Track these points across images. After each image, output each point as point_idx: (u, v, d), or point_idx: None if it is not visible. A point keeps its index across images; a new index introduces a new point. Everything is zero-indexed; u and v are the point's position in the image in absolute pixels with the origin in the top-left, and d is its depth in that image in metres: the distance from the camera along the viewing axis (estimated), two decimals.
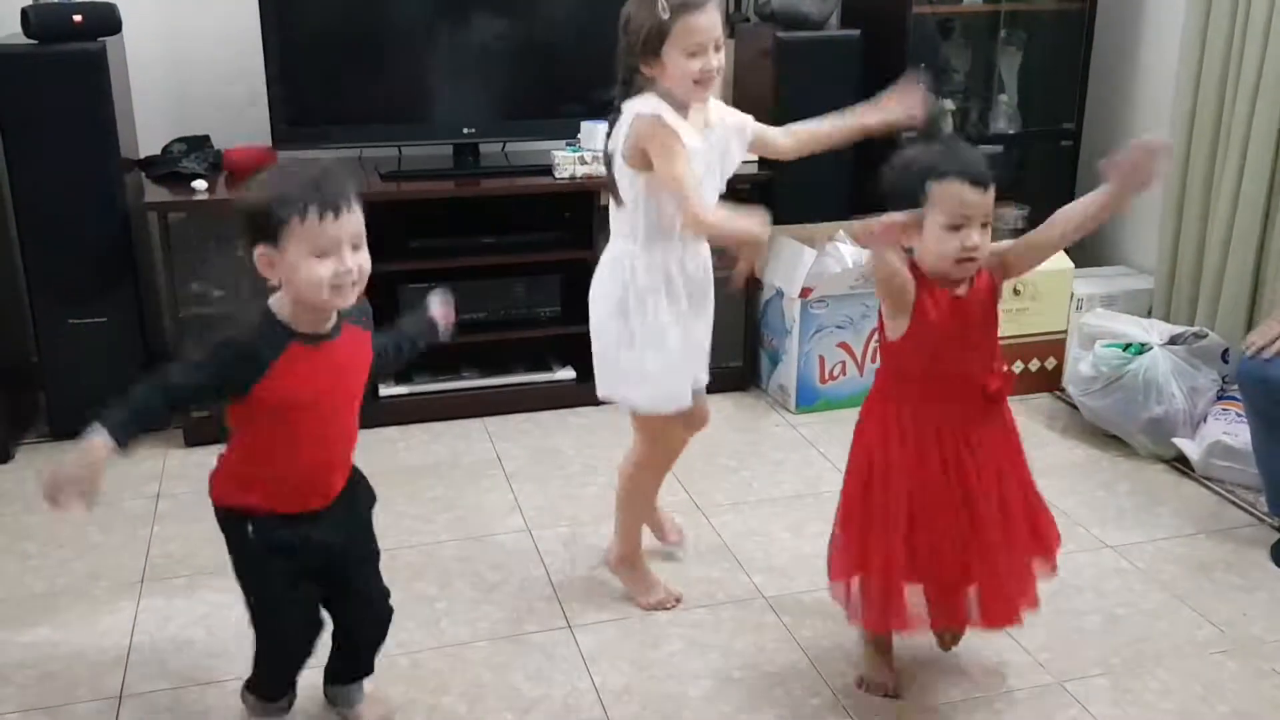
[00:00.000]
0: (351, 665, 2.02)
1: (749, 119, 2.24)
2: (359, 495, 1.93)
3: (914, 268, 1.88)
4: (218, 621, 2.31)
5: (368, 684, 2.06)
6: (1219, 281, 3.22)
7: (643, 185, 2.09)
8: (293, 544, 1.81)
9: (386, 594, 2.00)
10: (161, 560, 2.55)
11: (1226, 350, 3.09)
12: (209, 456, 2.95)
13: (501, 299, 3.30)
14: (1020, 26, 3.73)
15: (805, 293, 3.25)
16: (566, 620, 2.33)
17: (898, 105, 2.23)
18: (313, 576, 1.86)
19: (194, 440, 3.08)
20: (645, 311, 2.16)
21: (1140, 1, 3.66)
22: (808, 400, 3.33)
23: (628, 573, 2.41)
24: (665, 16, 1.99)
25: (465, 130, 3.28)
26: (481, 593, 2.43)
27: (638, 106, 2.06)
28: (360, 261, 1.70)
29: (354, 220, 1.68)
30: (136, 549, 2.60)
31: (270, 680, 1.98)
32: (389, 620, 2.01)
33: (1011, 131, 3.74)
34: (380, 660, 2.16)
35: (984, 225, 1.83)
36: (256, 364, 1.68)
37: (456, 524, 2.71)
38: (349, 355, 1.79)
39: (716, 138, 2.15)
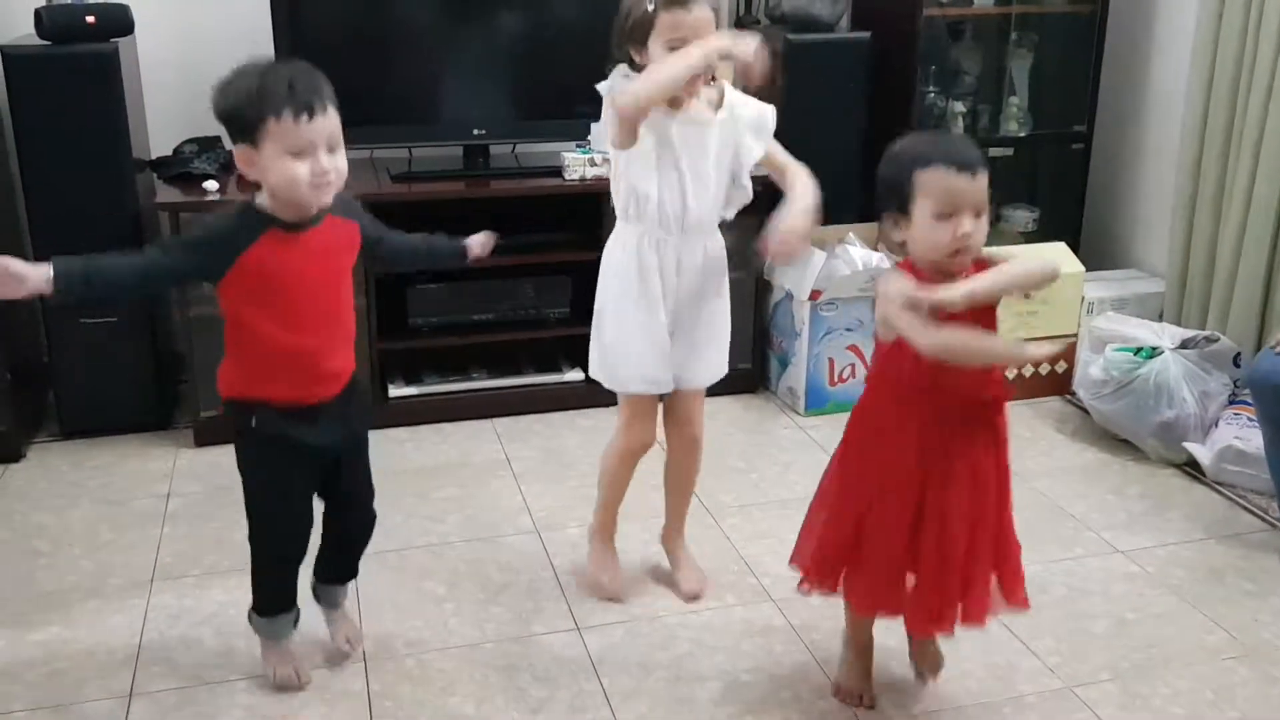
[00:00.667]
0: (336, 565, 2.17)
1: (769, 117, 2.19)
2: (355, 399, 2.02)
3: (909, 268, 1.84)
4: (227, 621, 2.32)
5: (366, 572, 2.24)
6: (1231, 285, 3.20)
7: (623, 167, 2.11)
8: (289, 437, 1.92)
9: (371, 496, 2.12)
10: (171, 559, 2.56)
11: (1238, 354, 3.08)
12: (220, 456, 3.01)
13: (511, 300, 3.30)
14: (1031, 29, 3.73)
15: (814, 295, 3.25)
16: (575, 621, 2.33)
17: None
18: (307, 474, 1.99)
19: (204, 440, 3.09)
20: (616, 285, 2.19)
21: (1152, 4, 3.65)
22: (817, 403, 3.33)
23: (593, 545, 2.45)
24: (650, 9, 1.99)
25: (475, 132, 3.29)
26: (490, 593, 2.43)
27: (607, 85, 2.10)
28: (337, 163, 1.77)
29: (329, 122, 1.75)
30: (147, 548, 2.60)
31: (267, 583, 2.08)
32: (372, 524, 2.15)
33: (1022, 134, 3.73)
34: (387, 659, 2.17)
35: (977, 214, 1.77)
36: (231, 248, 1.78)
37: (465, 524, 2.71)
38: (329, 241, 1.87)
39: (725, 129, 2.12)
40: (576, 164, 3.19)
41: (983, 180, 1.77)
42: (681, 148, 2.08)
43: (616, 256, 2.19)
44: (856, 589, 1.99)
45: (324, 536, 2.13)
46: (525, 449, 3.13)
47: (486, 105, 3.30)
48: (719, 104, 2.14)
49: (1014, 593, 1.96)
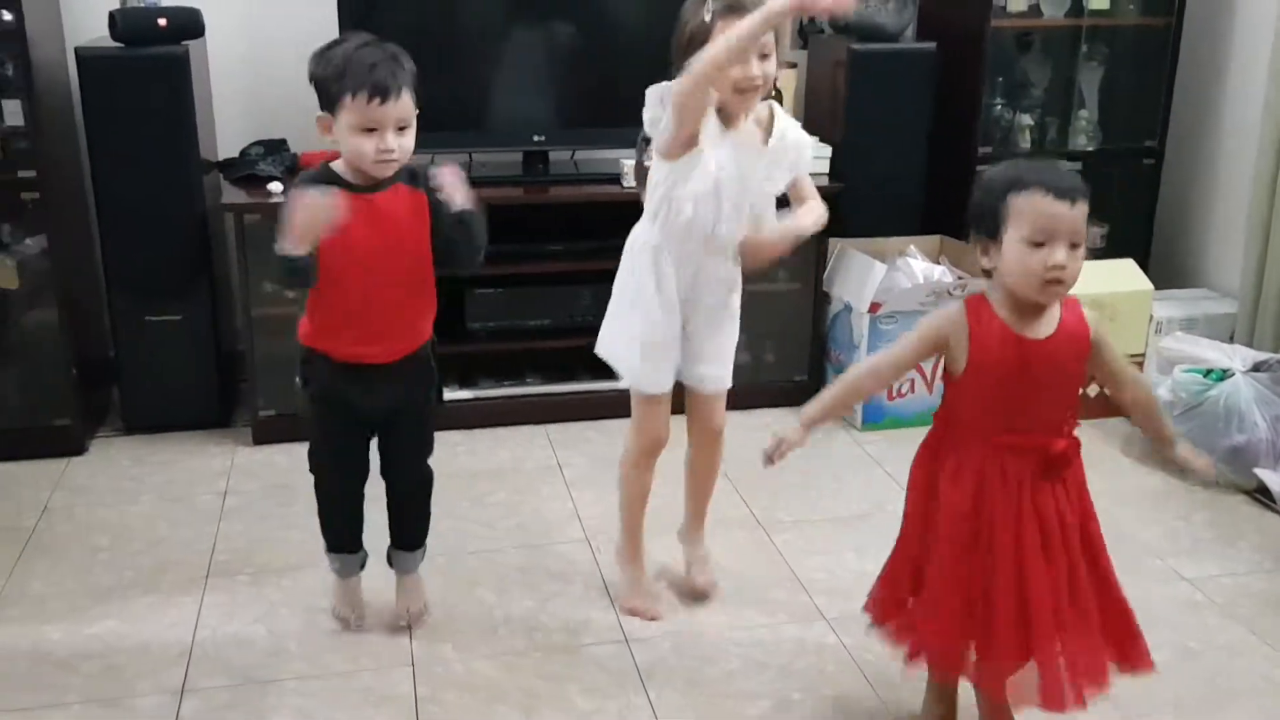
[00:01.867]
0: (396, 526, 2.27)
1: (806, 146, 2.21)
2: (420, 372, 2.13)
3: (980, 303, 1.75)
4: (278, 620, 2.34)
5: (423, 571, 2.34)
6: None
7: (663, 176, 2.10)
8: (337, 393, 2.07)
9: (423, 455, 2.23)
10: (226, 557, 2.58)
11: None
12: (276, 454, 3.05)
13: (567, 306, 3.29)
14: (1102, 41, 3.65)
15: (874, 307, 3.20)
16: (623, 634, 2.32)
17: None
18: (355, 427, 2.13)
19: (262, 439, 3.12)
20: (634, 280, 2.18)
21: (1229, 18, 3.56)
22: (874, 418, 3.28)
23: (621, 570, 2.43)
24: (708, 18, 1.97)
25: (535, 138, 3.29)
26: (539, 601, 2.42)
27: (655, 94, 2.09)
28: (404, 142, 1.93)
29: (401, 106, 1.91)
30: (203, 545, 2.63)
31: (325, 519, 2.24)
32: (424, 483, 2.26)
33: (1091, 148, 3.66)
34: (435, 664, 2.17)
35: (1073, 246, 1.65)
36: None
37: (517, 531, 2.71)
38: (393, 207, 1.99)
39: (771, 157, 2.12)
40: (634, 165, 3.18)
41: (1082, 210, 1.66)
42: (725, 172, 2.06)
43: (633, 259, 2.19)
44: (922, 642, 1.89)
45: (386, 496, 2.24)
46: (577, 455, 3.12)
47: (546, 111, 3.30)
48: (768, 125, 2.12)
49: (1129, 656, 1.83)
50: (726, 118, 2.07)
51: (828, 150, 3.35)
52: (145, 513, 2.78)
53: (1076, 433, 1.81)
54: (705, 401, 2.32)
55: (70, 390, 3.02)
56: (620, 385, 3.30)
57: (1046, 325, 1.73)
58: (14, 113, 2.87)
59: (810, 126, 3.60)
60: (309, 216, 1.85)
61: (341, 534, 2.27)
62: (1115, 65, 3.68)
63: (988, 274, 1.76)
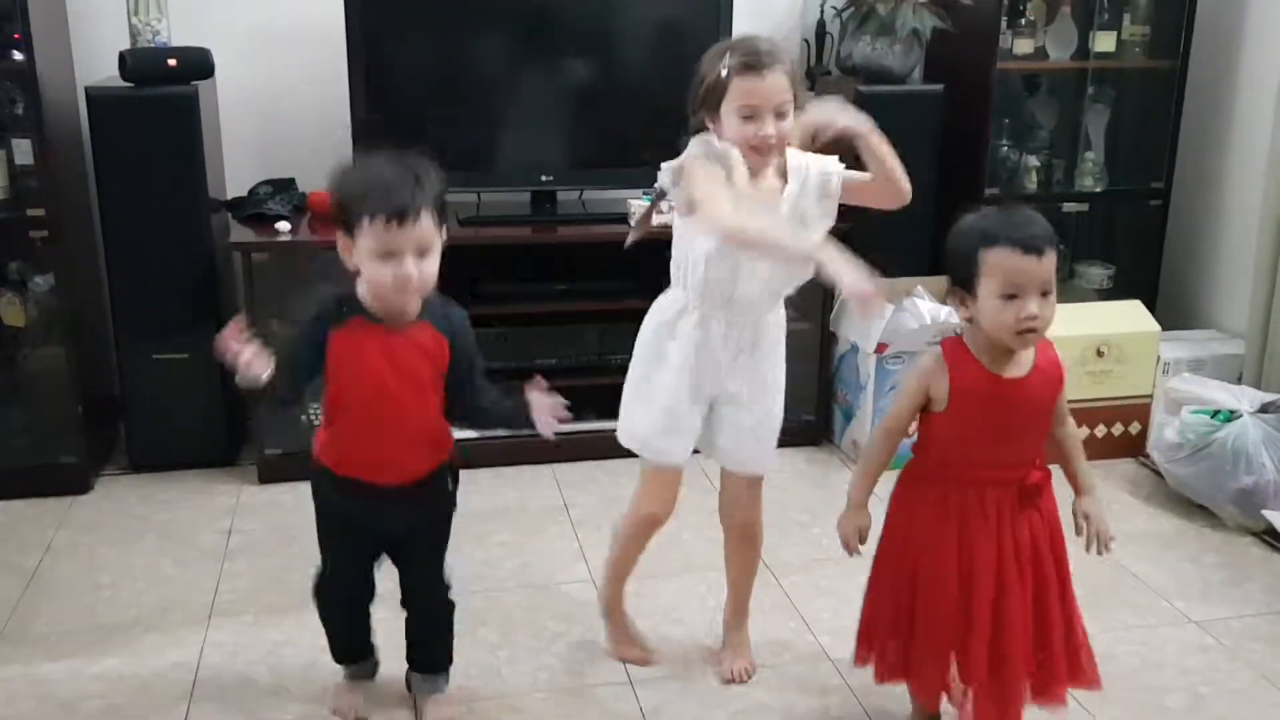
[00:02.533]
0: (413, 652, 2.14)
1: (833, 167, 2.06)
2: (434, 496, 2.01)
3: (956, 345, 1.84)
4: (281, 660, 2.32)
5: (450, 687, 2.18)
6: None
7: (682, 229, 2.06)
8: (348, 511, 1.97)
9: (438, 588, 2.09)
10: (230, 597, 2.57)
11: None
12: (282, 494, 3.04)
13: (574, 346, 3.30)
14: (1108, 84, 3.67)
15: (881, 348, 3.20)
16: (628, 675, 2.29)
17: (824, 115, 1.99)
18: (362, 547, 2.02)
19: (268, 478, 3.12)
20: (643, 348, 2.14)
21: (1234, 60, 3.58)
22: None
23: (607, 621, 2.36)
24: (724, 74, 1.92)
25: (543, 178, 3.31)
26: (543, 643, 2.41)
27: (690, 148, 2.01)
28: (425, 269, 1.79)
29: (420, 230, 1.76)
30: (206, 584, 2.62)
31: (327, 631, 2.14)
32: (442, 614, 2.12)
33: (1098, 190, 3.66)
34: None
35: (1044, 294, 1.74)
36: (321, 325, 1.84)
37: (521, 571, 2.70)
38: (411, 346, 1.86)
39: (792, 203, 2.02)
40: (642, 211, 3.19)
41: (1050, 261, 1.75)
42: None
43: (654, 317, 2.13)
44: (909, 673, 1.97)
45: (406, 621, 2.13)
46: (584, 495, 3.11)
47: (554, 152, 3.32)
48: (785, 173, 2.04)
49: (1082, 675, 1.93)
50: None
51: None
52: (149, 551, 2.77)
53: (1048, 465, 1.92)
54: (731, 485, 2.21)
55: (76, 428, 3.02)
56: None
57: (1022, 366, 1.82)
58: (24, 151, 2.90)
59: None
60: (239, 374, 1.82)
61: (339, 645, 2.16)
62: (1121, 107, 3.70)
63: (969, 321, 1.83)
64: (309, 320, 1.86)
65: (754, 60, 1.91)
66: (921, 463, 1.93)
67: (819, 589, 2.63)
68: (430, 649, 2.14)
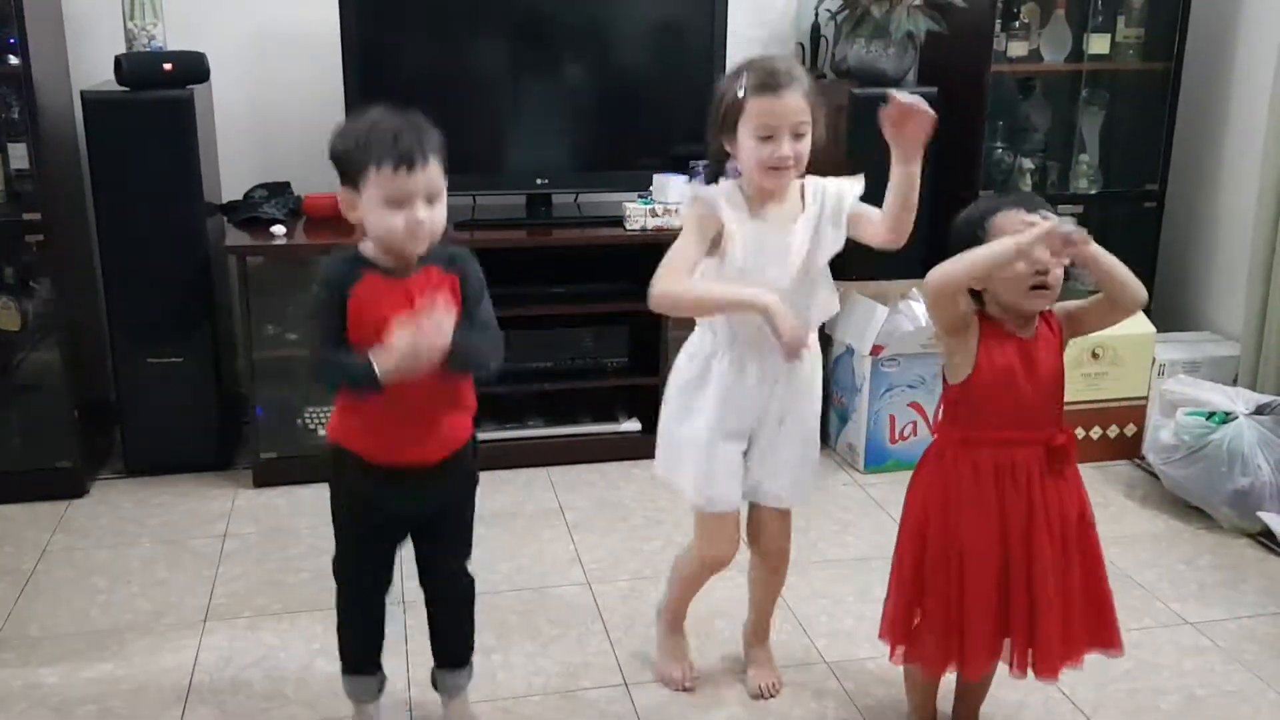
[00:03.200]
0: (440, 645, 2.07)
1: (847, 191, 2.02)
2: (461, 474, 1.95)
3: (980, 316, 1.87)
4: (276, 664, 2.32)
5: (471, 695, 2.13)
6: None
7: (703, 272, 2.00)
8: (376, 496, 1.88)
9: (462, 558, 2.03)
10: (225, 600, 2.57)
11: None
12: (277, 498, 3.04)
13: (569, 349, 3.30)
14: (1103, 86, 3.68)
15: (876, 350, 3.20)
16: (623, 678, 2.29)
17: (896, 133, 1.93)
18: (387, 534, 1.94)
19: (263, 482, 3.12)
20: (677, 397, 2.08)
21: (1228, 62, 3.59)
22: (877, 460, 3.27)
23: (661, 636, 2.32)
24: (740, 95, 1.89)
25: (538, 181, 3.31)
26: (539, 645, 2.40)
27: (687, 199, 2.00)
28: (434, 215, 1.77)
29: (429, 175, 1.75)
30: (201, 588, 2.62)
31: (342, 635, 2.03)
32: (465, 589, 2.05)
33: (1092, 192, 3.67)
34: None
35: (1053, 254, 1.77)
36: (339, 290, 1.78)
37: (517, 574, 2.70)
38: (424, 291, 1.78)
39: (809, 227, 1.98)
40: (638, 214, 3.20)
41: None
42: (754, 255, 1.95)
43: (682, 363, 2.09)
44: (951, 653, 1.93)
45: (427, 608, 2.06)
46: (579, 499, 3.11)
47: (550, 155, 3.33)
48: (804, 193, 2.00)
49: (1103, 638, 1.96)
50: (760, 199, 1.97)
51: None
52: (144, 555, 2.77)
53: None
54: (763, 516, 2.15)
55: (72, 432, 3.02)
56: (623, 428, 3.32)
57: (1031, 328, 1.87)
58: (19, 156, 2.91)
59: (812, 170, 3.63)
60: (416, 346, 1.70)
61: (360, 652, 2.04)
62: (1116, 110, 3.71)
63: (975, 297, 1.86)
64: (326, 287, 1.79)
65: (770, 80, 1.88)
66: (949, 436, 1.93)
67: (813, 591, 2.63)
68: (458, 638, 2.08)
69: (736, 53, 3.18)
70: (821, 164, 3.81)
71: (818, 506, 3.07)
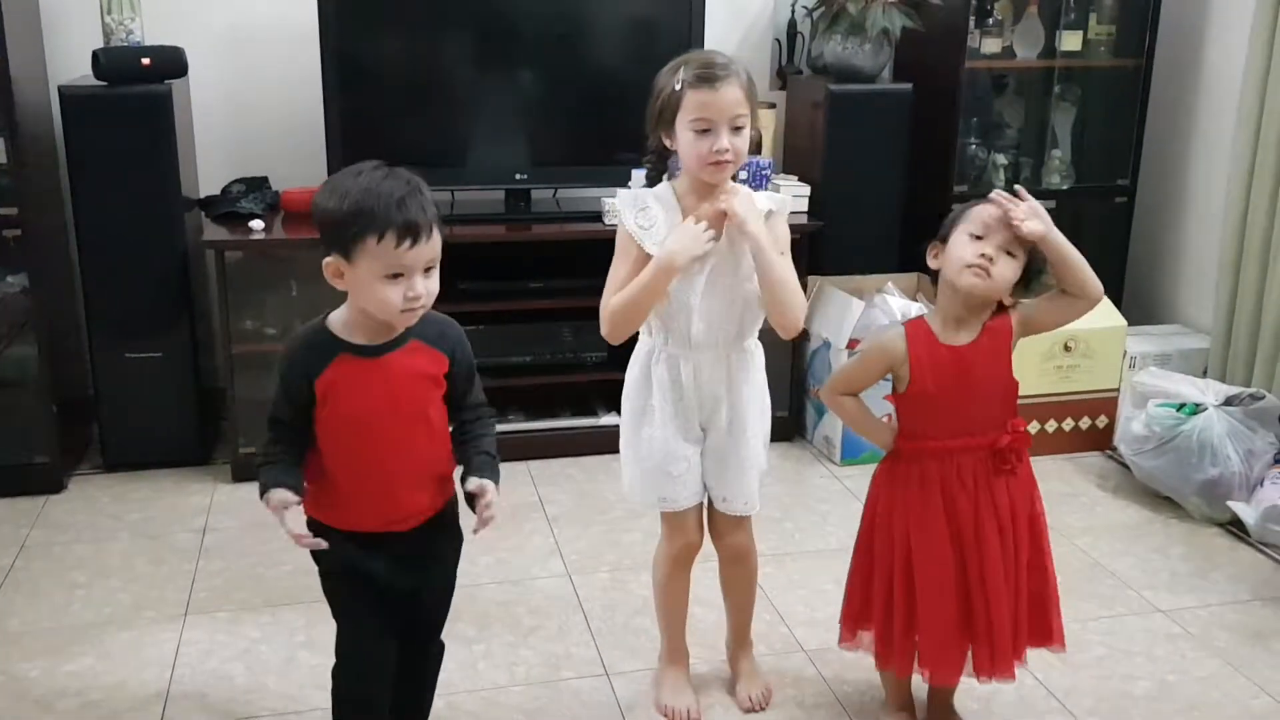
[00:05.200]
0: (406, 707, 1.92)
1: (777, 208, 2.00)
2: (447, 535, 1.82)
3: (917, 323, 1.93)
4: (257, 657, 2.32)
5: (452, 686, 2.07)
6: (1277, 342, 3.16)
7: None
8: (357, 568, 1.73)
9: (439, 644, 1.92)
10: (205, 594, 2.57)
11: None
12: (255, 493, 3.01)
13: (549, 343, 3.32)
14: (1074, 82, 3.72)
15: (852, 344, 3.23)
16: (604, 667, 2.32)
17: None
18: (380, 608, 1.77)
19: (242, 476, 3.12)
20: (628, 404, 2.08)
21: (1198, 59, 3.64)
22: (853, 452, 3.30)
23: (662, 673, 2.24)
24: (678, 88, 1.87)
25: (517, 176, 3.32)
26: (519, 636, 2.42)
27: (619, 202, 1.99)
28: (430, 286, 1.63)
29: (432, 246, 1.61)
30: (182, 582, 2.62)
31: None
32: (436, 664, 1.94)
33: (1065, 187, 3.71)
34: None
35: (1008, 253, 1.83)
36: (305, 376, 1.65)
37: (497, 567, 2.71)
38: (407, 370, 1.68)
39: (740, 239, 1.93)
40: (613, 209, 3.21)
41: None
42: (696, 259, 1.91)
43: (631, 373, 2.08)
44: (897, 649, 1.99)
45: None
46: (559, 492, 3.12)
47: (529, 150, 3.34)
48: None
49: (1047, 635, 1.99)
50: (696, 196, 1.95)
51: (806, 189, 3.39)
52: (124, 550, 2.77)
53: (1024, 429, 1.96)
54: (721, 521, 2.14)
55: (49, 427, 3.01)
56: (603, 422, 3.34)
57: (971, 333, 1.90)
58: None
59: (789, 166, 3.67)
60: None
61: None
62: (1087, 106, 3.75)
63: (933, 275, 1.93)
64: (287, 377, 1.66)
65: (708, 73, 1.86)
66: (898, 442, 1.98)
67: (791, 581, 2.66)
68: (426, 695, 1.96)
69: (713, 47, 3.20)
70: (801, 158, 3.84)
71: (795, 499, 3.10)
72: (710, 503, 2.13)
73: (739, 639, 2.28)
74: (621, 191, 2.05)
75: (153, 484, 3.11)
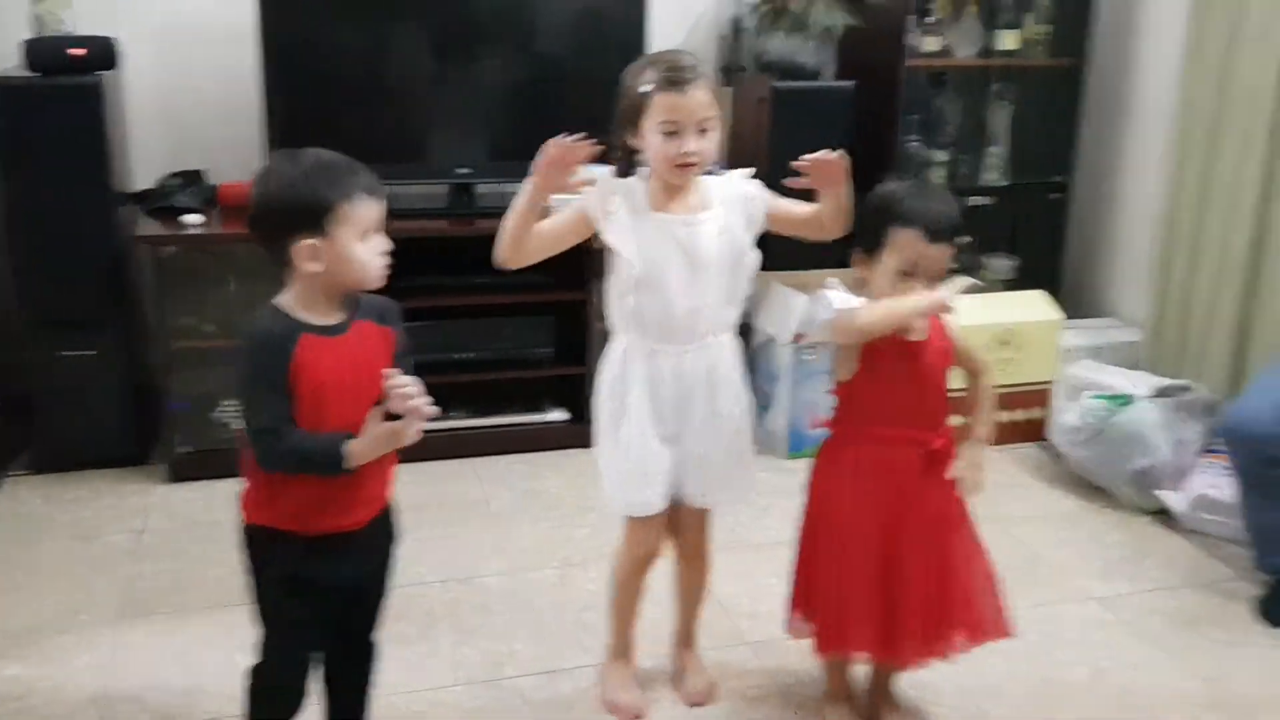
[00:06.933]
0: (342, 710, 1.92)
1: (755, 191, 2.02)
2: (389, 533, 1.84)
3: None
4: (195, 660, 2.29)
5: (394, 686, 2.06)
6: (1206, 335, 3.24)
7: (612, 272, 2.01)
8: (310, 574, 1.71)
9: (373, 641, 1.91)
10: (142, 596, 2.53)
11: (1213, 403, 3.10)
12: (194, 493, 3.00)
13: (493, 339, 3.30)
14: (1012, 80, 3.78)
15: (796, 339, 3.26)
16: (547, 664, 2.32)
17: (818, 181, 1.97)
18: (324, 616, 1.77)
19: (180, 476, 3.07)
20: (604, 404, 2.05)
21: (1132, 59, 3.71)
22: (797, 446, 3.33)
23: (607, 667, 2.25)
24: (646, 91, 1.87)
25: (460, 170, 3.30)
26: (463, 635, 2.41)
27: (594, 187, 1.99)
28: (388, 244, 1.70)
29: (383, 205, 1.68)
30: (118, 584, 2.58)
31: None
32: (371, 672, 1.93)
33: (1003, 183, 3.78)
34: None
35: (933, 280, 1.87)
36: (284, 355, 1.61)
37: (442, 565, 2.70)
38: (366, 347, 1.69)
39: (716, 223, 1.96)
40: (562, 204, 3.20)
41: (949, 250, 1.88)
42: (660, 249, 1.94)
43: (605, 374, 2.05)
44: (832, 633, 2.03)
45: (327, 672, 1.88)
46: (504, 489, 3.12)
47: (472, 144, 3.32)
48: (707, 191, 1.99)
49: (990, 627, 2.03)
50: (665, 195, 1.96)
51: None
52: (59, 552, 2.71)
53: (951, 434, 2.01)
54: (683, 515, 2.12)
55: None
56: (549, 418, 3.33)
57: (920, 331, 1.93)
58: None
59: (735, 162, 3.67)
60: (401, 434, 1.64)
61: None
62: (1025, 104, 3.81)
63: (860, 283, 1.95)
64: (267, 351, 1.62)
65: (676, 76, 1.86)
66: (836, 431, 2.03)
67: (734, 574, 2.67)
68: (364, 695, 1.94)
69: (659, 43, 3.21)
70: (746, 154, 3.86)
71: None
72: (679, 503, 2.10)
73: (685, 634, 2.29)
74: (603, 172, 2.01)
75: (88, 485, 3.05)
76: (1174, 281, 3.36)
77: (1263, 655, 2.42)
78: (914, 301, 1.85)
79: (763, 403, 3.45)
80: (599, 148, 1.90)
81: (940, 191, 2.02)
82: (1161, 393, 3.09)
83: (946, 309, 1.85)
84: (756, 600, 2.57)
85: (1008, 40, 3.65)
